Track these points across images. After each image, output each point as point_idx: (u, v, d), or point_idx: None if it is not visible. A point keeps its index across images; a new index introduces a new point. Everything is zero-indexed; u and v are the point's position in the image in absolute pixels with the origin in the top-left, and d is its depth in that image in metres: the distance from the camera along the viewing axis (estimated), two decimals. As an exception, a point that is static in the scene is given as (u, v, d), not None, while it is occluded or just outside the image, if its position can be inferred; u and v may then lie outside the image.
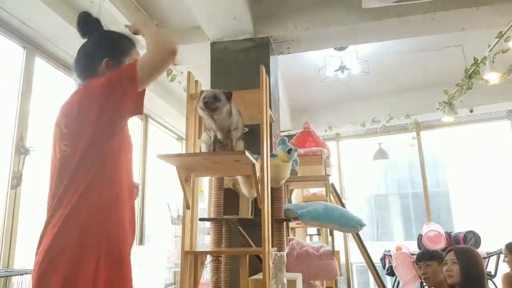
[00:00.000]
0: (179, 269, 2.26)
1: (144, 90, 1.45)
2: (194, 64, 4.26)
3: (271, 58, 3.53)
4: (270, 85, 3.12)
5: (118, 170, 1.47)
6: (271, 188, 2.45)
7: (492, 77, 4.10)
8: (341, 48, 4.86)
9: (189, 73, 2.46)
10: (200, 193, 4.80)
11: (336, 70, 5.19)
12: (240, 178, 2.45)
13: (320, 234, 4.29)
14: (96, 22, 1.68)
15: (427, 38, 4.27)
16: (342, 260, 4.02)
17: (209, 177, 2.68)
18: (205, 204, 4.59)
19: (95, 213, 1.36)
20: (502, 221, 6.52)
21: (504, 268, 4.02)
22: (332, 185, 3.92)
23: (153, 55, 1.46)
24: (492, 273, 4.84)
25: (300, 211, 2.76)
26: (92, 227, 1.34)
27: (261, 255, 2.13)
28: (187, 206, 2.21)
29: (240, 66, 3.46)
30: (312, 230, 4.60)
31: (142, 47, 1.59)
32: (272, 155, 2.54)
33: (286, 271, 2.03)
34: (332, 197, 3.78)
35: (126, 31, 1.70)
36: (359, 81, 5.53)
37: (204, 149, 2.18)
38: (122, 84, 1.41)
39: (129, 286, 1.40)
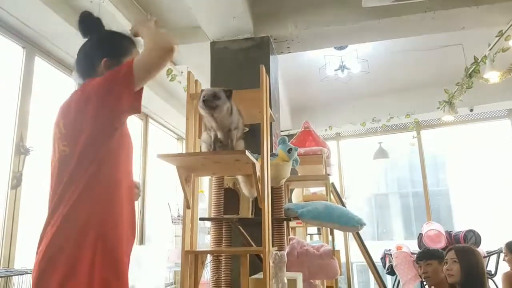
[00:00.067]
0: (180, 269, 2.26)
1: (142, 89, 1.44)
2: (194, 64, 4.26)
3: (271, 57, 3.53)
4: (270, 85, 3.11)
5: (117, 169, 1.47)
6: (272, 188, 2.45)
7: (492, 76, 4.10)
8: (341, 48, 4.85)
9: (189, 72, 2.46)
10: (200, 192, 4.80)
11: (336, 70, 5.19)
12: (240, 178, 2.45)
13: (320, 234, 4.29)
14: (97, 21, 1.68)
15: (427, 37, 4.27)
16: (343, 259, 4.02)
17: (209, 177, 2.68)
18: (205, 204, 4.60)
19: (93, 213, 1.36)
20: (502, 220, 6.52)
21: (504, 267, 4.02)
22: (332, 184, 3.92)
23: (149, 53, 1.45)
24: (493, 272, 4.84)
25: (301, 211, 2.76)
26: (89, 226, 1.34)
27: (261, 255, 2.13)
28: (187, 206, 2.21)
29: (240, 66, 3.46)
30: (313, 229, 4.60)
31: (143, 47, 1.59)
32: (272, 155, 2.54)
33: (287, 271, 2.03)
34: (332, 197, 3.78)
35: (127, 31, 1.69)
36: (359, 80, 5.52)
37: (204, 149, 2.18)
38: (118, 83, 1.40)
39: (126, 286, 1.39)
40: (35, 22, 3.31)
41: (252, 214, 2.61)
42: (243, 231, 2.60)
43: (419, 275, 4.60)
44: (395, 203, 9.60)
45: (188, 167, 2.17)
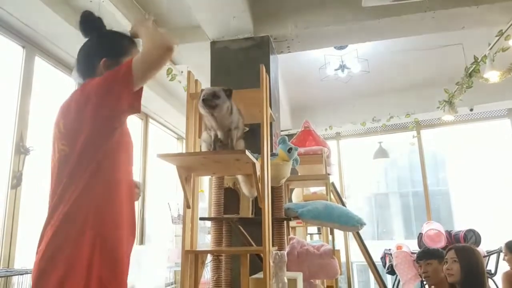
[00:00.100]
0: (180, 269, 2.26)
1: (141, 89, 1.44)
2: (194, 64, 4.25)
3: (271, 57, 3.53)
4: (270, 84, 3.11)
5: (117, 169, 1.46)
6: (272, 187, 2.45)
7: (492, 75, 4.09)
8: (341, 47, 4.85)
9: (189, 72, 2.46)
10: (201, 192, 4.80)
11: (336, 69, 5.19)
12: (240, 177, 2.45)
13: (320, 233, 4.28)
14: (99, 21, 1.68)
15: (427, 36, 4.27)
16: (343, 259, 4.02)
17: (210, 177, 2.68)
18: (205, 204, 4.59)
19: (92, 212, 1.36)
20: (502, 220, 6.53)
21: (504, 266, 4.02)
22: (333, 184, 3.92)
23: (148, 52, 1.45)
24: (492, 272, 4.84)
25: (301, 210, 2.76)
26: (88, 226, 1.34)
27: (261, 254, 2.13)
28: (187, 206, 2.21)
29: (240, 65, 3.46)
30: (313, 229, 4.60)
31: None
32: (273, 154, 2.54)
33: (287, 270, 2.03)
34: (332, 196, 3.78)
35: (127, 31, 1.69)
36: (359, 80, 5.52)
37: (204, 148, 2.18)
38: (117, 83, 1.40)
39: (124, 286, 1.39)
40: (35, 21, 3.31)
41: (252, 214, 2.61)
42: (243, 231, 2.60)
43: (419, 275, 4.60)
44: (395, 202, 9.60)
45: (188, 167, 2.17)
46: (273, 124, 3.17)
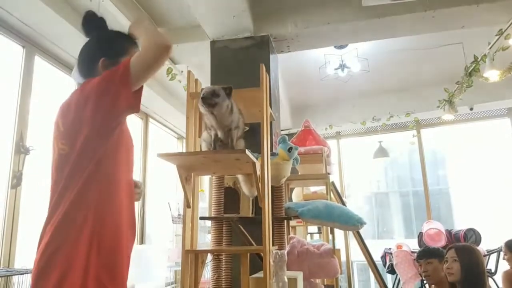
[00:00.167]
0: (180, 268, 2.26)
1: (140, 88, 1.43)
2: (194, 63, 4.26)
3: (271, 56, 3.53)
4: (270, 84, 3.11)
5: (116, 169, 1.46)
6: (272, 187, 2.45)
7: (492, 74, 4.09)
8: (341, 46, 4.85)
9: (189, 72, 2.45)
10: (201, 192, 4.80)
11: (336, 69, 5.19)
12: (240, 177, 2.45)
13: (320, 233, 4.29)
14: (101, 21, 1.68)
15: (427, 36, 4.27)
16: (343, 258, 4.03)
17: (210, 176, 2.68)
18: (205, 203, 4.60)
19: (91, 212, 1.36)
20: (502, 219, 6.52)
21: (504, 265, 4.02)
22: (333, 183, 3.93)
23: (145, 52, 1.44)
24: (493, 271, 4.84)
25: (301, 210, 2.77)
26: (87, 226, 1.34)
27: (261, 254, 2.13)
28: (187, 205, 2.20)
29: (240, 65, 3.45)
30: (313, 228, 4.60)
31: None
32: (273, 154, 2.54)
33: (287, 270, 2.03)
34: (332, 195, 3.78)
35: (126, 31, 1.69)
36: (359, 79, 5.52)
37: (204, 148, 2.18)
38: (116, 83, 1.40)
39: (124, 286, 1.39)
40: (34, 21, 3.30)
41: (252, 213, 2.62)
42: (244, 230, 2.60)
43: (420, 274, 4.60)
44: (395, 201, 9.58)
45: (188, 166, 2.17)
46: (273, 124, 3.17)
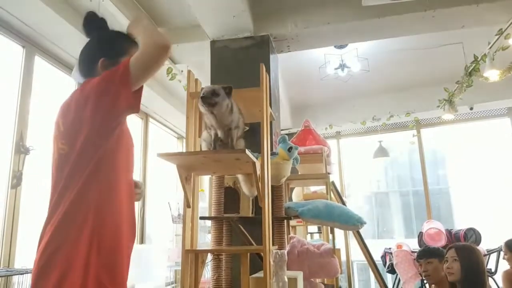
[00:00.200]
0: (180, 268, 2.26)
1: (140, 89, 1.43)
2: (194, 63, 4.26)
3: (271, 56, 3.53)
4: (270, 83, 3.11)
5: (116, 169, 1.46)
6: (272, 186, 2.45)
7: (492, 74, 4.10)
8: (341, 46, 4.85)
9: (189, 71, 2.46)
10: (201, 191, 4.80)
11: (336, 68, 5.18)
12: (240, 177, 2.45)
13: (320, 232, 4.29)
14: (102, 22, 1.68)
15: (427, 35, 4.27)
16: (343, 258, 4.03)
17: (210, 176, 2.68)
18: (205, 203, 4.60)
19: (91, 212, 1.36)
20: (502, 218, 6.52)
21: (504, 265, 4.02)
22: (333, 183, 3.92)
23: (144, 52, 1.43)
24: (493, 270, 4.84)
25: (301, 209, 2.77)
26: (87, 226, 1.34)
27: (261, 253, 2.13)
28: (187, 205, 2.21)
29: (240, 65, 3.45)
30: (313, 228, 4.60)
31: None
32: (273, 154, 2.54)
33: (287, 269, 2.03)
34: (332, 195, 3.78)
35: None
36: (359, 79, 5.52)
37: (204, 147, 2.18)
38: (115, 83, 1.39)
39: (124, 286, 1.39)
40: (34, 21, 3.30)
41: (252, 213, 2.62)
42: (244, 230, 2.60)
43: (420, 274, 4.60)
44: (396, 201, 9.58)
45: (189, 166, 2.17)
46: (273, 123, 3.17)
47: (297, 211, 2.76)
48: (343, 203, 3.94)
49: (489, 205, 7.39)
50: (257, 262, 2.32)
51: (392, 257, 5.26)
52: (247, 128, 2.37)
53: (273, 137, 3.20)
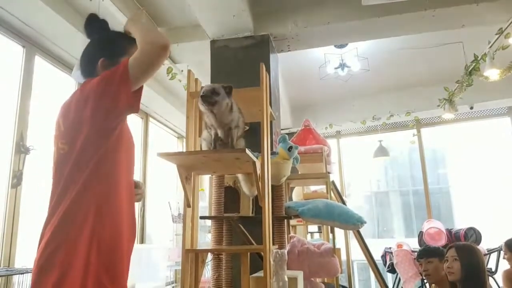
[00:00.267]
0: (180, 267, 2.26)
1: (140, 89, 1.43)
2: (194, 62, 4.26)
3: (271, 56, 3.53)
4: (271, 83, 3.11)
5: (116, 169, 1.46)
6: (272, 186, 2.45)
7: (492, 73, 4.09)
8: (341, 46, 4.85)
9: (189, 71, 2.46)
10: (201, 191, 4.80)
11: (336, 68, 5.18)
12: (240, 176, 2.45)
13: (321, 232, 4.29)
14: (103, 23, 1.68)
15: (427, 35, 4.26)
16: (343, 257, 4.03)
17: (210, 175, 2.68)
18: (206, 202, 4.60)
19: (91, 212, 1.36)
20: (502, 218, 6.53)
21: (504, 265, 4.02)
22: (333, 182, 3.92)
23: (143, 51, 1.43)
24: (493, 270, 4.84)
25: (301, 209, 2.76)
26: (87, 225, 1.34)
27: (262, 253, 2.13)
28: (188, 204, 2.21)
29: (240, 64, 3.45)
30: (313, 227, 4.60)
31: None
32: (273, 153, 2.54)
33: (287, 269, 2.03)
34: (332, 195, 3.78)
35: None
36: (359, 78, 5.52)
37: (204, 147, 2.18)
38: (115, 83, 1.39)
39: (124, 286, 1.39)
40: (35, 21, 3.30)
41: (252, 213, 2.62)
42: (244, 230, 2.60)
43: (420, 273, 4.60)
44: (396, 201, 9.59)
45: (189, 166, 2.17)
46: (273, 123, 3.17)
47: (297, 211, 2.76)
48: (343, 203, 3.94)
49: (489, 204, 7.40)
50: (257, 262, 2.32)
51: (392, 256, 5.26)
52: (247, 127, 2.37)
53: (273, 136, 3.20)
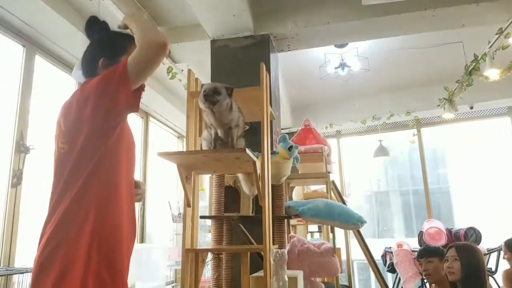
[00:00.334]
0: (180, 267, 2.26)
1: (140, 88, 1.43)
2: (195, 62, 4.26)
3: (271, 55, 3.53)
4: (271, 83, 3.11)
5: (117, 168, 1.46)
6: (272, 186, 2.45)
7: (492, 73, 4.10)
8: (341, 45, 4.85)
9: (189, 70, 2.46)
10: (201, 191, 4.80)
11: (336, 67, 5.18)
12: (241, 176, 2.45)
13: (321, 231, 4.29)
14: (103, 24, 1.68)
15: (427, 34, 4.26)
16: (343, 257, 4.02)
17: (210, 175, 2.68)
18: (206, 202, 4.60)
19: (92, 211, 1.36)
20: (502, 218, 6.52)
21: (504, 264, 4.02)
22: (333, 182, 3.92)
23: (141, 50, 1.42)
24: (493, 270, 4.84)
25: (301, 208, 2.76)
26: (87, 226, 1.34)
27: (262, 253, 2.13)
28: (188, 204, 2.21)
29: (240, 64, 3.45)
30: (313, 227, 4.60)
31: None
32: (273, 153, 2.54)
33: (287, 268, 2.03)
34: (332, 194, 3.78)
35: (127, 31, 1.69)
36: (360, 78, 5.52)
37: (205, 146, 2.18)
38: (114, 83, 1.39)
39: (123, 285, 1.39)
40: (35, 20, 3.30)
41: (252, 212, 2.62)
42: (244, 229, 2.60)
43: (420, 273, 4.60)
44: (396, 200, 9.58)
45: (189, 165, 2.17)
46: (274, 123, 3.17)
47: (297, 210, 2.76)
48: (343, 202, 3.94)
49: (489, 204, 7.39)
50: (257, 261, 2.32)
51: (393, 256, 5.26)
52: (247, 127, 2.37)
53: (273, 136, 3.20)
